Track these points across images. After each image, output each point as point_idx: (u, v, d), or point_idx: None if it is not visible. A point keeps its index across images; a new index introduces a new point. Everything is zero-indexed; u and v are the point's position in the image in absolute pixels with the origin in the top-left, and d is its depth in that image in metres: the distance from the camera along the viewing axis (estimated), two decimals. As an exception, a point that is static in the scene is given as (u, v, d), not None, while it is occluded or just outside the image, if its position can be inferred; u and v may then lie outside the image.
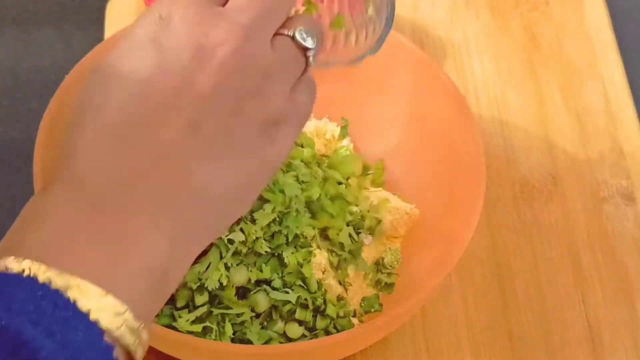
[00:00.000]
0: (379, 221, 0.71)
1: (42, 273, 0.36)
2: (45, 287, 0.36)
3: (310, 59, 0.45)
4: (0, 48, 0.87)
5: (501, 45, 0.88)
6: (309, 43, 0.44)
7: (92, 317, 0.36)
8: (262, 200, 0.65)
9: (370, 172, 0.75)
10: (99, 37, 0.85)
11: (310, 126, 0.76)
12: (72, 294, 0.36)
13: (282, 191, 0.66)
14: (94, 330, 0.36)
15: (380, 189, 0.75)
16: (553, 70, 0.86)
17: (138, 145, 0.39)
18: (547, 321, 0.73)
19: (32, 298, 0.36)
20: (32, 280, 0.36)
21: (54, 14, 0.89)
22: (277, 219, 0.65)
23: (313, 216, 0.67)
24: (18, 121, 0.82)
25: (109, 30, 0.85)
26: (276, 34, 0.44)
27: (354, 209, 0.70)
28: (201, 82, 0.40)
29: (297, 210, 0.66)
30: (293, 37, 0.44)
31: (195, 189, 0.40)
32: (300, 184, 0.67)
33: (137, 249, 0.38)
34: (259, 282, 0.65)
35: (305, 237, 0.66)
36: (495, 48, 0.87)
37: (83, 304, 0.36)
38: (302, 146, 0.72)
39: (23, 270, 0.36)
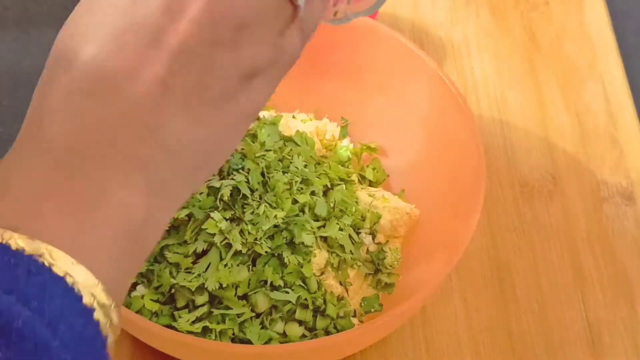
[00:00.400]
0: (379, 217, 0.71)
1: (15, 241, 0.35)
2: (19, 255, 0.35)
3: (300, 2, 0.42)
4: (0, 48, 0.87)
5: (501, 45, 0.88)
6: None
7: (69, 280, 0.35)
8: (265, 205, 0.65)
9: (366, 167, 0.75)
10: (99, 37, 0.85)
11: (311, 126, 0.76)
12: (46, 260, 0.35)
13: (293, 197, 0.66)
14: (71, 294, 0.35)
15: (380, 188, 0.75)
16: (553, 70, 0.86)
17: (107, 101, 0.38)
18: (547, 321, 0.73)
19: (6, 266, 0.35)
20: (4, 247, 0.35)
21: (54, 14, 0.89)
22: (282, 222, 0.65)
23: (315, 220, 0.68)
24: (18, 121, 0.82)
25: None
26: None
27: (354, 208, 0.71)
28: (171, 36, 0.39)
29: (303, 224, 0.66)
30: None
31: (168, 144, 0.39)
32: (295, 187, 0.67)
33: (110, 211, 0.37)
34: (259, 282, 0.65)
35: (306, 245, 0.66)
36: (495, 48, 0.87)
37: (58, 269, 0.35)
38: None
39: None
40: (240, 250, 0.64)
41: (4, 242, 0.35)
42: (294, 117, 0.78)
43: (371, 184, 0.76)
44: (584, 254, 0.76)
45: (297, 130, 0.73)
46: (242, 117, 0.42)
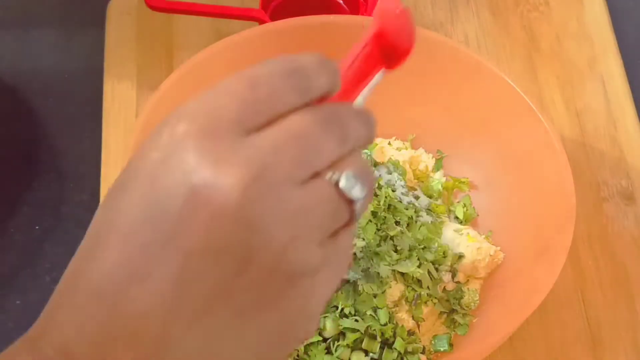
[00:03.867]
0: (460, 257, 0.69)
1: None
2: None
3: (357, 209, 0.36)
4: (0, 48, 0.87)
5: (501, 45, 0.88)
6: (356, 193, 0.36)
7: None
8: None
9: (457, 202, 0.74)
10: (99, 37, 0.85)
11: (405, 155, 0.74)
12: None
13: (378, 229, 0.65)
14: None
15: (468, 226, 0.72)
16: (553, 70, 0.86)
17: (117, 307, 0.34)
18: (547, 321, 0.72)
19: None
20: None
21: (54, 14, 0.89)
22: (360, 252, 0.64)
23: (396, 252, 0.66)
24: (18, 121, 0.82)
25: (109, 30, 0.85)
26: (315, 176, 0.35)
27: (437, 244, 0.68)
28: (192, 235, 0.34)
29: (384, 255, 0.65)
30: (337, 184, 0.36)
31: None
32: (380, 217, 0.66)
33: None
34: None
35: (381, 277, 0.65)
36: (495, 48, 0.87)
37: None
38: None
39: None
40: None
41: None
42: (389, 143, 0.76)
43: (459, 221, 0.73)
44: (584, 254, 0.76)
45: (390, 158, 0.72)
46: (276, 333, 0.36)
